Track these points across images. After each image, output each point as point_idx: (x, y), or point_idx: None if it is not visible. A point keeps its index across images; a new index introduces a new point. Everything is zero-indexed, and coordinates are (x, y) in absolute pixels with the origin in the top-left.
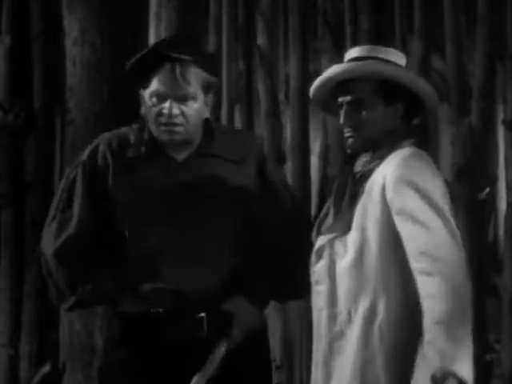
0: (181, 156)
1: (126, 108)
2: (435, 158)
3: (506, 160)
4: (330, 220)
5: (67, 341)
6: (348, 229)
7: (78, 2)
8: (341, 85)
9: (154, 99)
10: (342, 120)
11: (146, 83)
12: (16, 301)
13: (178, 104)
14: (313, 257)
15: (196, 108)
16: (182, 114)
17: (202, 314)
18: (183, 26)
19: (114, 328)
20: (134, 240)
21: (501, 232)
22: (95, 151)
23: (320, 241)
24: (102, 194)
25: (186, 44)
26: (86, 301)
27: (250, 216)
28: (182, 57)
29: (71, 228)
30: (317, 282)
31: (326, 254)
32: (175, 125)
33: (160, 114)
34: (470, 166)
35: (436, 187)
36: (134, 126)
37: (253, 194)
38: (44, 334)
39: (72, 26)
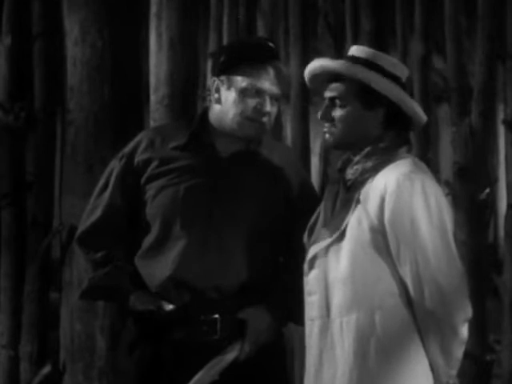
0: (228, 151)
1: (127, 108)
2: (435, 158)
3: (507, 160)
4: (319, 227)
5: (67, 341)
6: (339, 237)
7: (78, 3)
8: (330, 79)
9: (251, 92)
10: (319, 114)
11: (234, 71)
12: (16, 301)
13: (271, 103)
14: (305, 266)
15: (276, 110)
16: (270, 113)
17: (216, 316)
18: (184, 26)
19: (126, 328)
20: (162, 229)
21: (501, 233)
22: (137, 145)
23: (312, 250)
24: (136, 186)
25: (275, 45)
26: (98, 288)
27: (282, 223)
28: (279, 57)
29: (96, 214)
30: (309, 293)
31: (318, 263)
32: (264, 123)
33: (256, 109)
34: (470, 166)
35: (443, 208)
36: (181, 121)
37: (289, 202)
38: (44, 335)
39: (73, 27)
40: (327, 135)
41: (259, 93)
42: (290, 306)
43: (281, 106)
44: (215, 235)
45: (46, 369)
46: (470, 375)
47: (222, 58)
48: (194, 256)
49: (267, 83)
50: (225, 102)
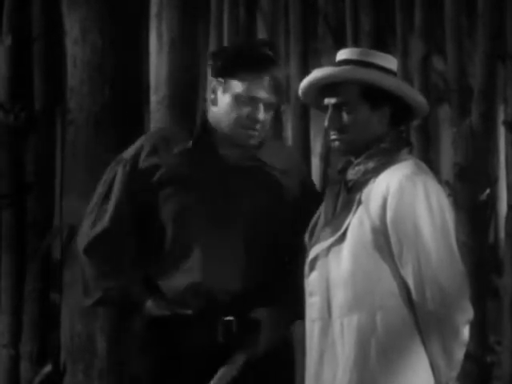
0: (231, 155)
1: (127, 108)
2: (436, 158)
3: (507, 161)
4: (320, 228)
5: (68, 341)
6: (341, 238)
7: (78, 2)
8: (328, 86)
9: (245, 99)
10: (326, 123)
11: (230, 75)
12: (17, 301)
13: (265, 111)
14: (306, 268)
15: (270, 117)
16: (264, 121)
17: (231, 318)
18: (184, 27)
19: (139, 331)
20: (175, 236)
21: (501, 233)
22: (140, 150)
23: (313, 251)
24: (144, 192)
25: (276, 50)
26: (110, 299)
27: (289, 226)
28: (278, 64)
29: (104, 223)
30: (310, 294)
31: (319, 264)
32: (257, 130)
33: (249, 117)
34: (470, 166)
35: (445, 209)
36: (182, 125)
37: (294, 204)
38: (45, 335)
39: (73, 26)
40: (337, 143)
41: (253, 100)
42: (299, 305)
43: (282, 107)
44: (228, 240)
45: (47, 368)
46: (471, 376)
47: (219, 62)
48: (212, 262)
49: (262, 91)
50: (220, 106)
